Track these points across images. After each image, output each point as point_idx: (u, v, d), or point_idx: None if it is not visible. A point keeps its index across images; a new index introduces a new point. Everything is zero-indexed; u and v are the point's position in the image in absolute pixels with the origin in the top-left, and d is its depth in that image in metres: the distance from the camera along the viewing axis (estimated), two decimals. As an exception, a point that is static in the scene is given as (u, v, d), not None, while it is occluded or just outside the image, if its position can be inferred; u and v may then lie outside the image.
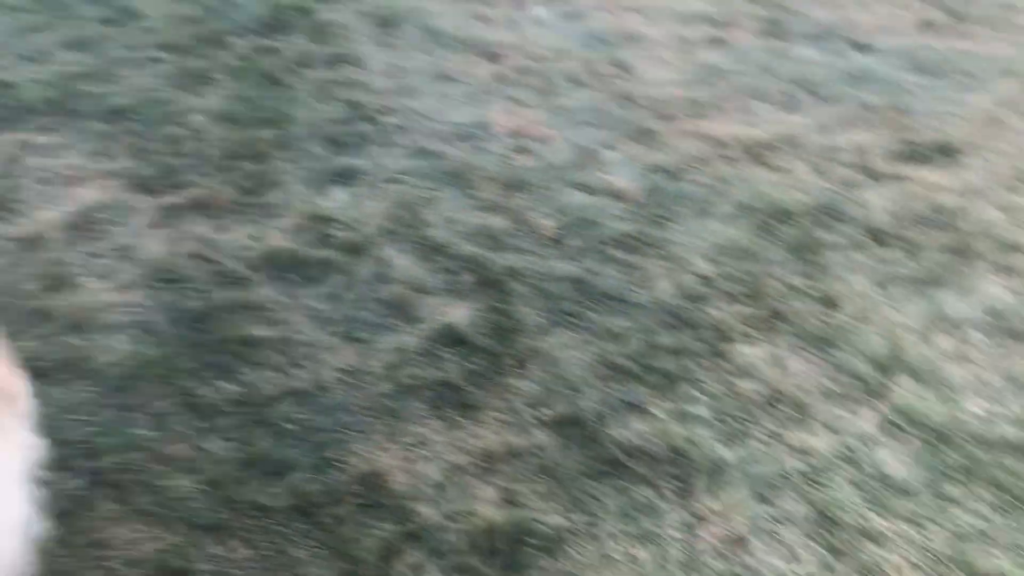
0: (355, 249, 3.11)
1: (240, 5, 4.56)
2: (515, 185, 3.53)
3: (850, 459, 2.50)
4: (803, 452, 2.52)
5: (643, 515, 2.29)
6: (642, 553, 2.17)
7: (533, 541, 2.18)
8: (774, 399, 2.69)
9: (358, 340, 2.77)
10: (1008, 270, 3.22)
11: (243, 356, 2.66)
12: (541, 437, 2.49)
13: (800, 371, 2.80)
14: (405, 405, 2.56)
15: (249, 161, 3.50)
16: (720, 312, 3.00)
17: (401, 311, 2.88)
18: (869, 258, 3.29)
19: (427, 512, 2.25)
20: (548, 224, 3.33)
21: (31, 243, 2.97)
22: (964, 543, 2.21)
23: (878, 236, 3.41)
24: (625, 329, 2.89)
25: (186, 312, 2.80)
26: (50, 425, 2.37)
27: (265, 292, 2.91)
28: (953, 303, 3.04)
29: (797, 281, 3.16)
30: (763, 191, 3.64)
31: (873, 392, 2.72)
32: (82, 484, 2.25)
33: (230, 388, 2.54)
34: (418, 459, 2.40)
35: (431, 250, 3.15)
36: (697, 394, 2.68)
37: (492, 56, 4.46)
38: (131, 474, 2.28)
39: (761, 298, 3.09)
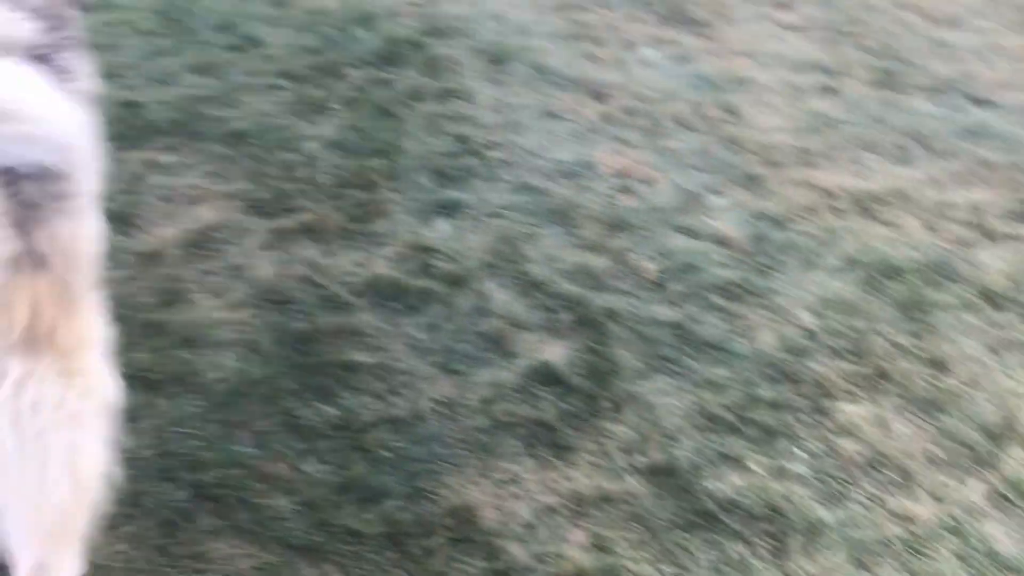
0: (456, 281, 3.15)
1: (358, 38, 4.68)
2: (618, 225, 3.52)
3: (955, 530, 2.41)
4: (905, 519, 2.44)
5: (735, 572, 2.24)
6: (734, 612, 2.12)
7: (622, 590, 2.15)
8: (876, 461, 2.62)
9: (455, 372, 2.79)
10: None
11: (343, 380, 2.71)
12: (634, 484, 2.47)
13: (905, 434, 2.72)
14: (499, 441, 2.57)
15: (358, 189, 3.58)
16: (823, 367, 2.94)
17: (498, 346, 2.90)
18: (982, 321, 3.18)
19: (516, 551, 2.25)
20: (650, 267, 3.32)
21: (150, 258, 3.09)
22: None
23: (992, 298, 3.29)
24: (724, 379, 2.85)
25: (291, 333, 2.87)
26: (158, 436, 2.47)
27: (367, 318, 2.96)
28: (1073, 374, 2.91)
29: (905, 340, 3.07)
30: (872, 245, 3.56)
31: (982, 461, 2.62)
32: (185, 496, 2.32)
33: (330, 411, 2.59)
34: (509, 497, 2.41)
35: (531, 286, 3.17)
36: (796, 451, 2.62)
37: (600, 96, 4.48)
38: (231, 490, 2.34)
39: (866, 356, 3.01)
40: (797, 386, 2.87)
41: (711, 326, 3.08)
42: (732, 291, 3.25)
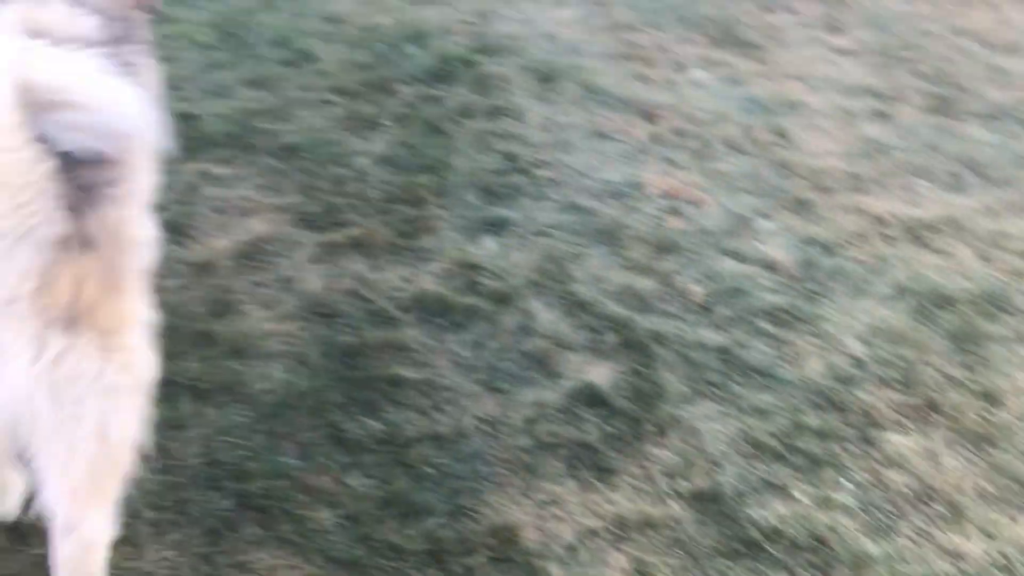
0: (502, 299, 3.15)
1: (409, 55, 4.73)
2: (665, 247, 3.51)
3: (1007, 568, 2.36)
4: (955, 555, 2.39)
5: (779, 603, 2.21)
6: (776, 644, 2.10)
7: (663, 616, 2.14)
8: (925, 495, 2.57)
9: (499, 390, 2.80)
10: None
11: (388, 395, 2.73)
12: (677, 509, 2.45)
13: (955, 468, 2.67)
14: (541, 461, 2.57)
15: (407, 205, 3.60)
16: (871, 397, 2.90)
17: (543, 365, 2.90)
18: (1037, 354, 3.12)
19: (557, 573, 2.25)
20: (697, 290, 3.30)
21: (202, 268, 3.14)
22: None
23: (1048, 332, 3.23)
24: (771, 406, 2.83)
25: (338, 346, 2.89)
26: (206, 445, 2.50)
27: (413, 334, 2.98)
28: None
29: (956, 372, 3.02)
30: (923, 274, 3.50)
31: (1036, 499, 2.56)
32: (230, 506, 2.34)
33: (374, 426, 2.61)
34: (551, 518, 2.40)
35: (576, 306, 3.16)
36: (843, 481, 2.59)
37: (649, 116, 4.47)
38: (276, 501, 2.37)
39: (916, 386, 2.96)
40: (844, 415, 2.83)
41: (758, 352, 3.06)
42: (780, 317, 3.22)
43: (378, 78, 4.50)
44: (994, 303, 3.36)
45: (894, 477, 2.62)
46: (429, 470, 2.50)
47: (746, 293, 3.32)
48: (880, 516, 2.49)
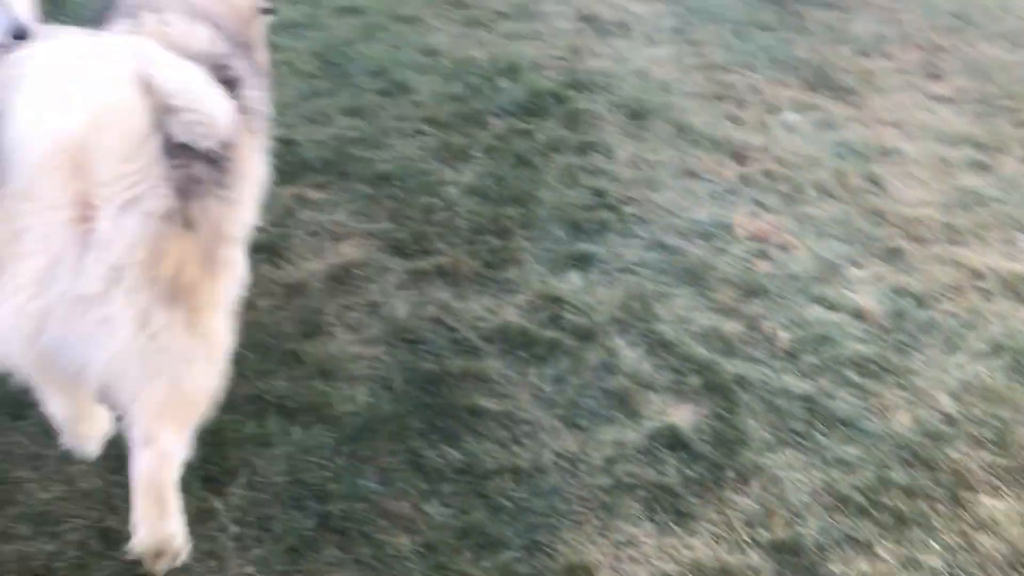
0: (585, 335, 3.16)
1: (502, 88, 4.79)
2: (752, 291, 3.47)
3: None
4: (1047, 628, 2.29)
5: (860, 664, 2.15)
6: None
7: (739, 669, 2.10)
8: (1018, 562, 2.48)
9: (579, 427, 2.79)
10: None
11: (469, 425, 2.75)
12: (756, 559, 2.41)
13: (1051, 536, 2.56)
14: (619, 502, 2.55)
15: (494, 236, 3.64)
16: (962, 456, 2.81)
17: (624, 404, 2.89)
18: None
19: (632, 616, 2.22)
20: (783, 336, 3.25)
21: (294, 289, 3.22)
22: None
23: None
24: (856, 458, 2.76)
25: (421, 373, 2.93)
26: (290, 463, 2.55)
27: (495, 365, 3.00)
28: None
29: (1054, 435, 2.91)
30: (1020, 330, 3.39)
31: None
32: (312, 525, 2.38)
33: (454, 455, 2.63)
34: (627, 560, 2.39)
35: (660, 346, 3.15)
36: (930, 542, 2.51)
37: (740, 157, 4.45)
38: (355, 524, 2.40)
39: (1010, 448, 2.87)
40: (934, 473, 2.75)
41: (844, 402, 2.99)
42: (868, 367, 3.15)
43: (470, 110, 4.57)
44: (1097, 365, 3.24)
45: (985, 541, 2.53)
46: (507, 503, 2.50)
47: (834, 341, 3.26)
48: (969, 581, 2.41)
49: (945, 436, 2.89)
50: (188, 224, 1.89)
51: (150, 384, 1.97)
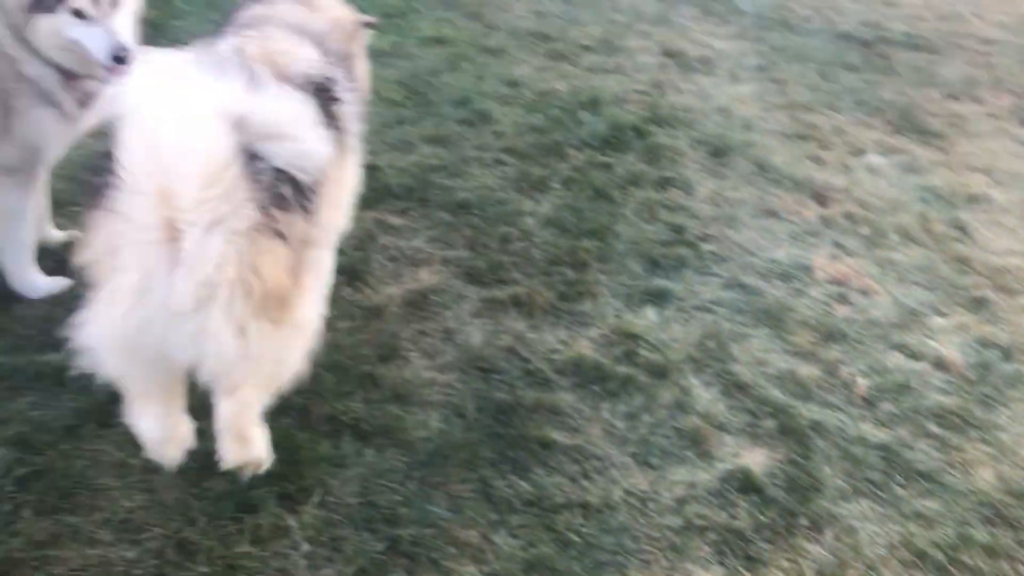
0: (659, 372, 3.14)
1: (583, 121, 4.82)
2: (831, 335, 3.42)
3: None
4: None
5: None
6: None
7: None
8: (1105, 632, 2.37)
9: (650, 466, 2.78)
10: None
11: (539, 457, 2.75)
12: (828, 611, 2.36)
13: None
14: (689, 543, 2.53)
15: (570, 268, 3.65)
16: (1049, 517, 2.71)
17: (697, 445, 2.86)
18: None
19: (698, 661, 2.19)
20: (862, 382, 3.19)
21: (373, 313, 3.28)
22: None
23: None
24: (935, 513, 2.69)
25: (493, 402, 2.95)
26: (363, 485, 2.58)
27: (567, 398, 3.00)
28: None
29: None
30: (1114, 390, 3.27)
31: None
32: (381, 548, 2.41)
33: (524, 486, 2.64)
34: (695, 603, 2.35)
35: (735, 387, 3.11)
36: (1012, 605, 2.42)
37: (821, 198, 4.39)
38: (424, 550, 2.42)
39: (1100, 512, 2.75)
40: (1017, 533, 2.66)
41: (923, 454, 2.92)
42: (950, 420, 3.07)
43: (551, 142, 4.61)
44: None
45: (1070, 608, 2.44)
46: (575, 538, 2.50)
47: (914, 391, 3.19)
48: (1052, 649, 2.32)
49: (1030, 495, 2.79)
50: (276, 239, 1.99)
51: (246, 373, 2.13)
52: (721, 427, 2.94)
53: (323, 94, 2.44)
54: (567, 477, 2.70)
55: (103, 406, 2.68)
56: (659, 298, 3.53)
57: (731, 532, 2.56)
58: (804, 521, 2.62)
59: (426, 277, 3.51)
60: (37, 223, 3.21)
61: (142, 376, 2.18)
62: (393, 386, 2.95)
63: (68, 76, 2.93)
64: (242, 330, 1.99)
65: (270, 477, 2.53)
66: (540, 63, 5.60)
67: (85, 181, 2.13)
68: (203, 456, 2.56)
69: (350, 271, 3.42)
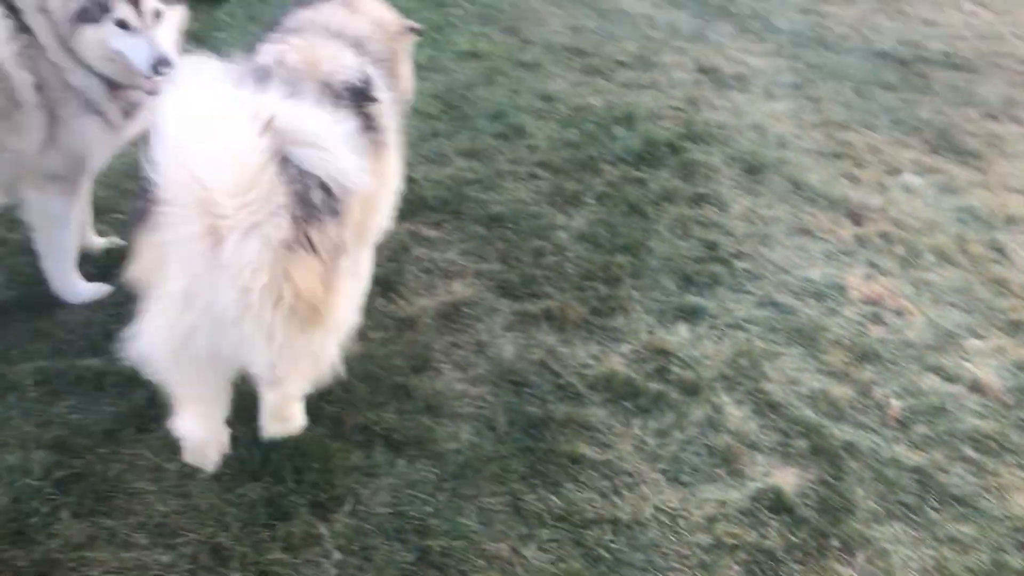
0: (691, 389, 3.13)
1: (617, 136, 4.83)
2: (865, 356, 3.40)
3: None
4: None
5: None
6: None
7: None
8: None
9: (681, 483, 2.77)
10: None
11: (570, 472, 2.76)
12: (859, 634, 2.34)
13: None
14: (719, 562, 2.52)
15: (602, 283, 3.66)
16: (1086, 546, 2.67)
17: (728, 463, 2.85)
18: None
19: None
20: (896, 404, 3.17)
21: (406, 324, 3.30)
22: None
23: None
24: (969, 538, 2.66)
25: (525, 416, 2.95)
26: (394, 495, 2.60)
27: (598, 413, 3.00)
28: None
29: None
30: None
31: None
32: (412, 559, 2.42)
33: (554, 501, 2.64)
34: (725, 622, 2.34)
35: (767, 406, 3.10)
36: (1047, 633, 2.39)
37: (856, 217, 4.37)
38: (454, 561, 2.43)
39: None
40: (1054, 561, 2.62)
41: (958, 478, 2.89)
42: (985, 444, 3.04)
43: (585, 157, 4.62)
44: None
45: (1108, 638, 2.40)
46: (605, 554, 2.50)
47: (949, 414, 3.16)
48: None
49: (1067, 523, 2.76)
50: (307, 248, 2.05)
51: (285, 371, 2.24)
52: (753, 446, 2.93)
53: (359, 96, 2.51)
54: (597, 492, 2.70)
55: (141, 411, 2.73)
56: (692, 315, 3.52)
57: (761, 552, 2.55)
58: (836, 543, 2.60)
59: (459, 289, 3.53)
60: (79, 230, 3.27)
61: (192, 378, 2.29)
62: (425, 397, 2.96)
63: (113, 86, 2.99)
64: (275, 334, 2.07)
65: (302, 485, 2.56)
66: (575, 78, 5.62)
67: (130, 210, 2.26)
68: (237, 462, 2.60)
69: (384, 282, 3.45)
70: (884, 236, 4.25)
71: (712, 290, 3.69)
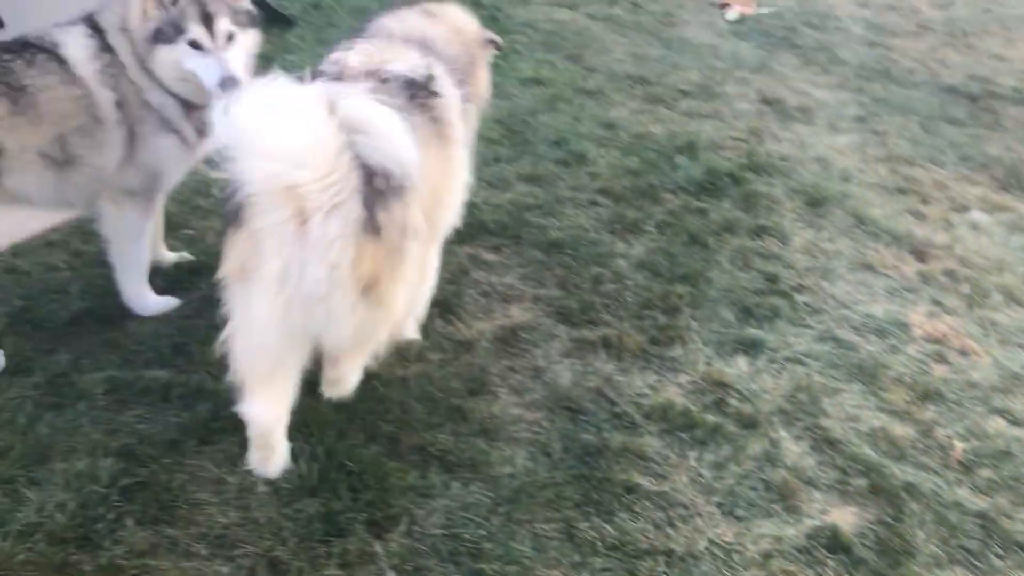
0: (748, 423, 3.11)
1: (679, 165, 4.83)
2: (927, 395, 3.34)
3: None
4: None
5: None
6: None
7: None
8: None
9: (736, 517, 2.74)
10: None
11: (624, 501, 2.75)
12: None
13: None
14: (774, 599, 2.48)
15: (661, 313, 3.65)
16: None
17: (784, 499, 2.82)
18: None
19: None
20: (959, 446, 3.10)
21: (463, 347, 3.33)
22: None
23: None
24: (1035, 588, 2.59)
25: (580, 443, 2.95)
26: (448, 517, 2.62)
27: (654, 444, 2.99)
28: None
29: None
30: None
31: None
32: (465, 583, 2.43)
33: (608, 530, 2.63)
34: (779, 661, 2.31)
35: (825, 442, 3.06)
36: None
37: (921, 254, 4.30)
38: (506, 586, 2.43)
39: None
40: (1122, 615, 2.54)
41: (1023, 524, 2.82)
42: (1053, 491, 2.96)
43: (645, 185, 4.62)
44: None
45: None
46: (657, 586, 2.48)
47: (1015, 458, 3.09)
48: None
49: None
50: (376, 230, 2.25)
51: (352, 347, 2.56)
52: (810, 482, 2.89)
53: (416, 88, 2.69)
54: (651, 523, 2.68)
55: (205, 423, 2.79)
56: (751, 347, 3.49)
57: (818, 591, 2.51)
58: (895, 586, 2.56)
59: (517, 314, 3.55)
60: (152, 244, 3.37)
61: (275, 358, 2.44)
62: (481, 420, 2.98)
63: (188, 106, 3.08)
64: (355, 309, 2.30)
65: (359, 502, 2.59)
66: (637, 106, 5.64)
67: (223, 211, 2.38)
68: (296, 477, 2.65)
69: (443, 304, 3.49)
70: (949, 274, 4.17)
71: (772, 323, 3.66)
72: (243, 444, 2.69)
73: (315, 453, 2.72)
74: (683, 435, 3.03)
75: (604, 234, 4.17)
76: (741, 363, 3.40)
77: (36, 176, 2.91)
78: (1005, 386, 3.45)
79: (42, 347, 3.08)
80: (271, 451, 2.63)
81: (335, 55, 2.83)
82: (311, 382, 2.94)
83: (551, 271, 3.85)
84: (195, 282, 3.48)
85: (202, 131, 3.15)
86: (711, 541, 2.65)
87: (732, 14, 7.76)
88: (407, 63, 2.76)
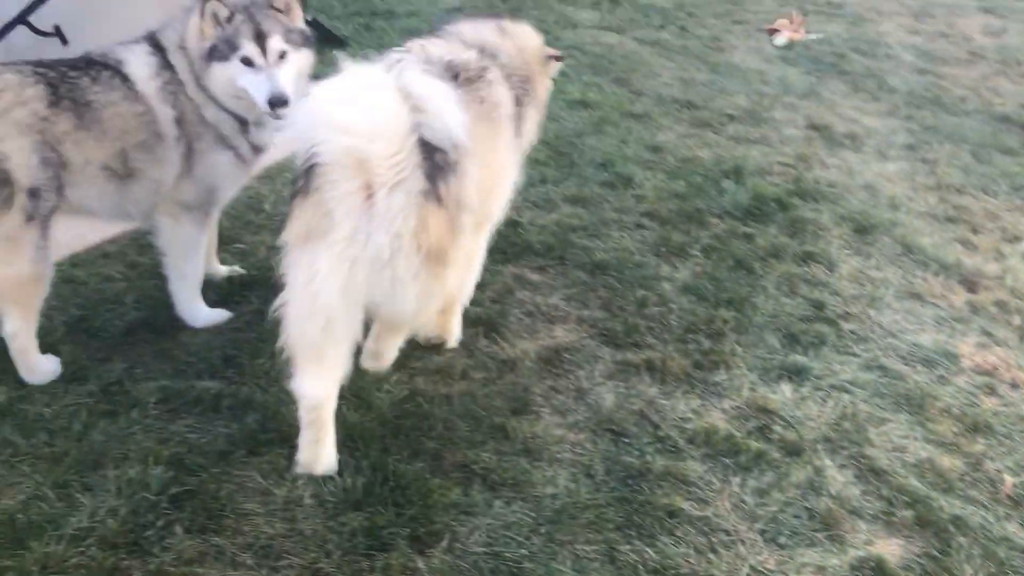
0: (793, 450, 3.08)
1: (725, 190, 4.83)
2: (976, 428, 3.29)
3: None
4: None
5: None
6: None
7: None
8: None
9: (779, 545, 2.72)
10: None
11: (666, 526, 2.74)
12: None
13: None
14: (817, 629, 2.46)
15: (705, 337, 3.64)
16: None
17: (829, 528, 2.79)
18: None
19: None
20: (1009, 480, 3.05)
21: (507, 366, 3.35)
22: None
23: None
24: (1086, 629, 2.54)
25: (622, 466, 2.95)
26: (489, 535, 2.63)
27: (697, 468, 2.98)
28: None
29: None
30: None
31: None
32: (505, 602, 2.44)
33: (649, 554, 2.63)
34: None
35: (871, 472, 3.03)
36: None
37: (971, 284, 4.25)
38: (548, 608, 2.44)
39: None
40: None
41: (1075, 563, 2.76)
42: (1106, 529, 2.90)
43: (692, 208, 4.63)
44: None
45: None
46: (699, 612, 2.47)
47: (1066, 494, 3.03)
48: None
49: None
50: (438, 200, 2.45)
51: (407, 315, 2.65)
52: (854, 512, 2.86)
53: (466, 75, 2.89)
54: (693, 548, 2.67)
55: (253, 435, 2.84)
56: (796, 374, 3.47)
57: (862, 623, 2.48)
58: (941, 620, 2.52)
59: (561, 335, 3.57)
60: (205, 258, 3.44)
61: (331, 321, 2.51)
62: (524, 440, 2.99)
63: (243, 123, 3.16)
64: (417, 276, 2.47)
65: (402, 517, 2.62)
66: (683, 130, 5.65)
67: (292, 181, 2.62)
68: (341, 491, 2.68)
69: (487, 323, 3.51)
70: (1000, 305, 4.12)
71: (817, 350, 3.63)
72: (290, 456, 2.74)
73: (360, 467, 2.76)
74: (726, 460, 3.02)
75: (649, 257, 4.17)
76: (786, 390, 3.38)
77: (98, 189, 3.00)
78: (1057, 421, 3.39)
79: (97, 356, 3.16)
80: (321, 435, 2.70)
81: (392, 51, 2.95)
82: (357, 396, 3.00)
83: (595, 292, 3.87)
84: (246, 295, 3.54)
85: (256, 148, 3.22)
86: (753, 568, 2.63)
87: (781, 40, 7.75)
88: (457, 56, 2.96)
